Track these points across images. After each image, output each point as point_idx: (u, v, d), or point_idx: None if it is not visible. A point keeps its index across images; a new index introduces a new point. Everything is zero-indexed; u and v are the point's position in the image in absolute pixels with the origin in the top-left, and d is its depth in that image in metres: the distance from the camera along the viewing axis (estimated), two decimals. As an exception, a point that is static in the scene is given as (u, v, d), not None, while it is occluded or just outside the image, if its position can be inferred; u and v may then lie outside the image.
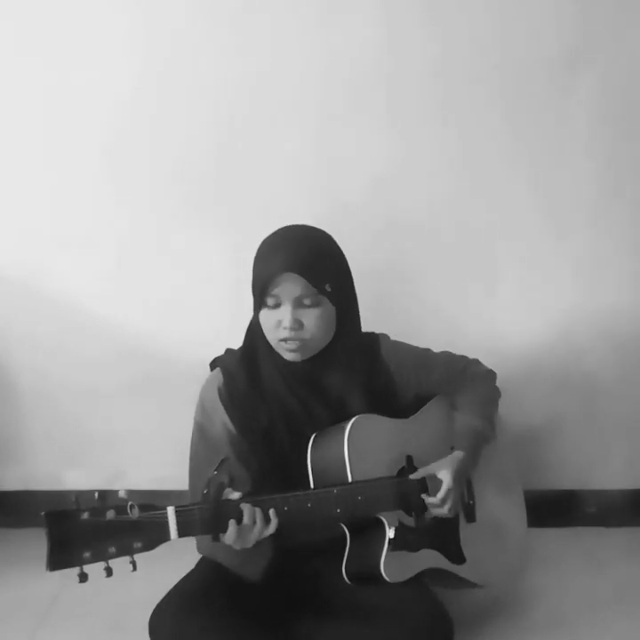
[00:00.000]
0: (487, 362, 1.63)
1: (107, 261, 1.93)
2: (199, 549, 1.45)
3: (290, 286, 1.37)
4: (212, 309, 1.89)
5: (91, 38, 1.81)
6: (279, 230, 1.45)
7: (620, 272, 1.95)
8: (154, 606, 1.40)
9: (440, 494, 1.41)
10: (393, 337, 1.56)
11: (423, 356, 1.56)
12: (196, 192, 1.89)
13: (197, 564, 1.49)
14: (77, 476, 2.06)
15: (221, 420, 1.47)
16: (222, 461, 1.27)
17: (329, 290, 1.39)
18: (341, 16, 1.79)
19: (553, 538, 1.95)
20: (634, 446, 2.05)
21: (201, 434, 1.48)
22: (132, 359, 1.98)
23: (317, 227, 1.45)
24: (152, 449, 1.99)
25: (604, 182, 1.89)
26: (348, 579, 1.42)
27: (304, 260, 1.37)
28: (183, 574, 1.47)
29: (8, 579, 1.80)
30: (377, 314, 1.73)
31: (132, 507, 1.17)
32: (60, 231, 1.91)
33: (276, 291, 1.38)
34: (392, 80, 1.82)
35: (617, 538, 1.99)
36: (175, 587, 1.44)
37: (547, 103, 1.84)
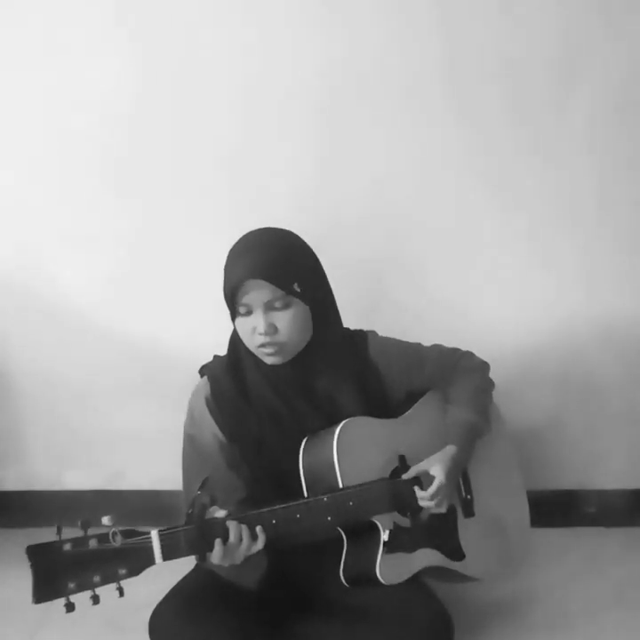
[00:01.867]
0: (487, 361, 1.63)
1: (107, 263, 1.93)
2: (196, 559, 1.45)
3: (257, 292, 1.36)
4: (211, 310, 1.87)
5: (94, 38, 1.81)
6: (242, 237, 1.44)
7: (620, 272, 1.94)
8: (154, 607, 1.40)
9: (431, 489, 1.40)
10: (390, 335, 1.56)
11: (414, 352, 1.55)
12: (196, 193, 1.89)
13: (196, 565, 1.48)
14: (77, 476, 2.06)
15: (210, 429, 1.46)
16: (205, 481, 1.26)
17: (298, 290, 1.38)
18: (341, 16, 1.79)
19: (553, 538, 1.94)
20: (634, 446, 2.04)
21: (191, 444, 1.48)
22: (132, 359, 1.98)
23: (281, 227, 1.44)
24: (152, 449, 1.98)
25: (604, 182, 1.89)
26: (346, 581, 1.42)
27: (266, 263, 1.36)
28: (183, 575, 1.47)
29: (8, 579, 1.80)
30: (376, 313, 1.74)
31: (114, 534, 1.17)
32: (61, 233, 1.91)
33: (245, 299, 1.37)
34: (390, 80, 1.82)
35: (617, 538, 1.98)
36: (175, 587, 1.44)
37: (547, 103, 1.84)
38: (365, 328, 1.55)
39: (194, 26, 1.80)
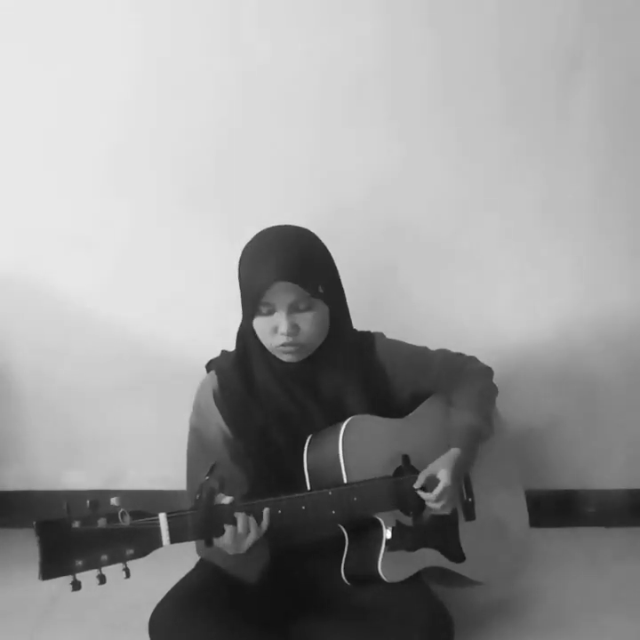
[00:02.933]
0: (487, 362, 1.63)
1: (107, 262, 1.93)
2: (198, 551, 1.46)
3: (283, 294, 1.36)
4: (211, 310, 1.89)
5: (90, 38, 1.80)
6: (262, 235, 1.43)
7: (620, 272, 1.94)
8: (154, 606, 1.40)
9: (436, 491, 1.41)
10: (392, 337, 1.56)
11: (420, 355, 1.56)
12: (196, 194, 1.89)
13: (197, 564, 1.49)
14: (77, 476, 2.06)
15: (216, 422, 1.47)
16: (213, 466, 1.27)
17: (322, 291, 1.39)
18: (341, 16, 1.79)
19: (553, 538, 1.95)
20: (634, 446, 2.04)
21: (197, 437, 1.49)
22: (133, 359, 1.97)
23: (300, 226, 1.44)
24: (152, 449, 1.98)
25: (604, 182, 1.89)
26: (347, 579, 1.42)
27: (295, 266, 1.36)
28: (183, 574, 1.47)
29: (8, 579, 1.80)
30: (376, 314, 1.73)
31: (123, 514, 1.17)
32: (61, 232, 1.91)
33: (270, 299, 1.37)
34: (392, 81, 1.82)
35: (617, 538, 1.98)
36: (175, 586, 1.44)
37: (547, 104, 1.84)
38: (371, 330, 1.56)
39: (190, 23, 1.80)
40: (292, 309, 1.38)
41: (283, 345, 1.39)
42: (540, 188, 1.89)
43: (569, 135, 1.85)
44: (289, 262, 1.36)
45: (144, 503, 1.79)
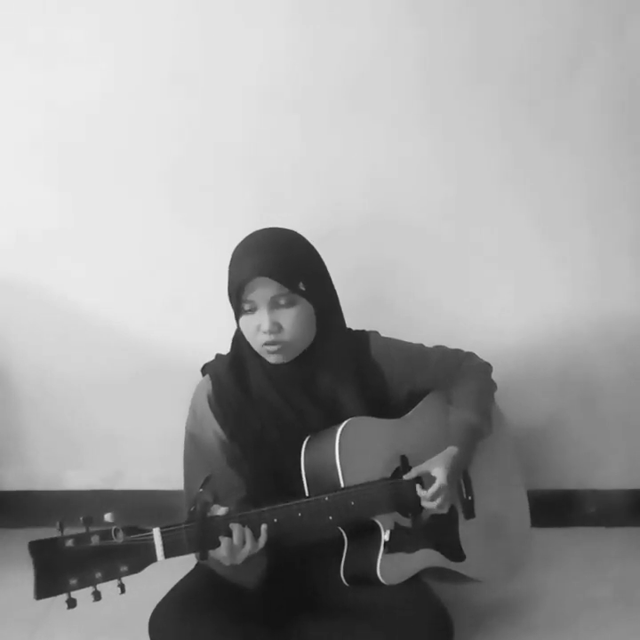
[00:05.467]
0: (487, 361, 1.63)
1: (108, 263, 1.93)
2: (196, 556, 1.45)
3: (263, 290, 1.37)
4: (211, 310, 1.88)
5: (94, 39, 1.81)
6: (247, 237, 1.45)
7: (620, 272, 1.94)
8: (153, 606, 1.40)
9: (432, 490, 1.41)
10: (391, 334, 1.56)
11: (416, 352, 1.55)
12: (197, 193, 1.89)
13: (197, 565, 1.49)
14: (77, 476, 2.06)
15: (212, 427, 1.47)
16: (207, 479, 1.26)
17: (303, 288, 1.39)
18: (340, 16, 1.79)
19: (553, 538, 1.94)
20: (634, 446, 2.04)
21: (193, 442, 1.49)
22: (133, 359, 1.98)
23: (286, 228, 1.46)
24: (152, 448, 1.98)
25: (604, 182, 1.89)
26: (346, 581, 1.42)
27: (272, 261, 1.38)
28: (183, 575, 1.47)
29: (8, 579, 1.80)
30: (376, 313, 1.73)
31: (116, 531, 1.17)
32: (61, 232, 1.91)
33: (250, 296, 1.38)
34: (391, 81, 1.82)
35: (617, 538, 1.98)
36: (175, 587, 1.44)
37: (546, 103, 1.84)
38: (365, 329, 1.56)
39: (190, 23, 1.81)
40: (273, 306, 1.38)
41: (266, 343, 1.40)
42: (541, 186, 1.89)
43: (569, 135, 1.85)
44: (266, 258, 1.38)
45: (143, 503, 1.80)
